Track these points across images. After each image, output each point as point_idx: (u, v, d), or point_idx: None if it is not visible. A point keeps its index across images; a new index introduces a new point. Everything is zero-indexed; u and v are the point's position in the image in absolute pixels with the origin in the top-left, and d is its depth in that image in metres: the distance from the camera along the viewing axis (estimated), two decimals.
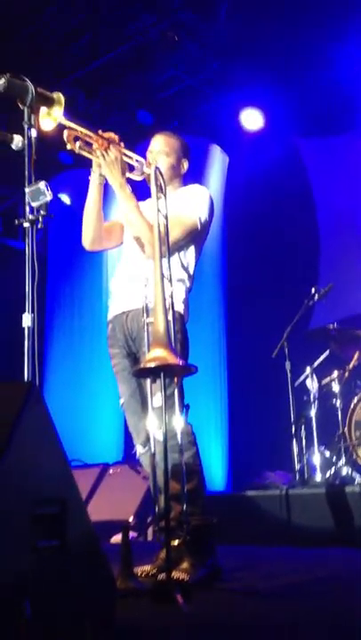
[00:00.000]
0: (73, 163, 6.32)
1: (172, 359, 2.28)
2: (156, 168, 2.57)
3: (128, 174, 2.84)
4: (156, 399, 2.45)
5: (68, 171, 6.52)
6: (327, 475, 4.70)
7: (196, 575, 2.47)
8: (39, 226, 2.25)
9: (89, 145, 2.81)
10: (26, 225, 2.25)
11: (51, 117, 2.55)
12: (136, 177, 2.86)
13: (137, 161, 2.86)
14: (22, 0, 5.44)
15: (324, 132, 6.59)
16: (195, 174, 3.19)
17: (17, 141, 2.31)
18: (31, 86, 2.29)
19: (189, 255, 2.94)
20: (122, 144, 2.84)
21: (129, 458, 5.09)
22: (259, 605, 2.28)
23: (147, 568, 2.62)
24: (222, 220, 6.73)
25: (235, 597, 2.42)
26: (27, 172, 2.24)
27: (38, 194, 2.21)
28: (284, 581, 2.73)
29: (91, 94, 6.46)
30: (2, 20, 5.46)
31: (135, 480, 4.80)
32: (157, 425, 2.43)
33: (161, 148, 3.01)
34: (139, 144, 5.49)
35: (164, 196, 2.54)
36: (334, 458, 4.80)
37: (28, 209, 2.26)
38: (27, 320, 2.17)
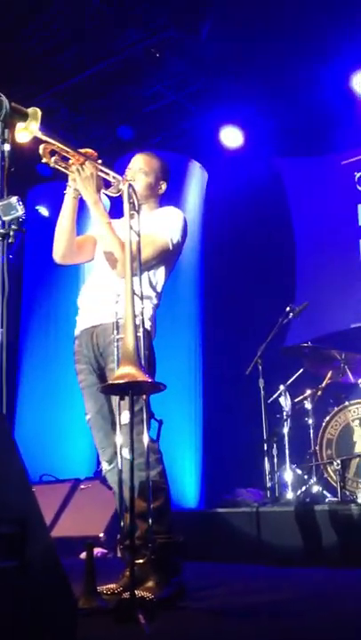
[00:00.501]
0: (52, 175, 6.32)
1: (141, 376, 2.28)
2: (130, 185, 2.58)
3: (104, 190, 2.85)
4: (124, 416, 2.44)
5: (47, 183, 6.52)
6: (298, 493, 4.71)
7: (161, 594, 2.46)
8: (10, 240, 2.24)
9: (66, 159, 2.82)
10: None
11: (27, 130, 2.56)
12: (112, 193, 2.87)
13: (113, 177, 2.87)
14: (8, 12, 5.45)
15: (303, 152, 6.66)
16: (173, 190, 3.22)
17: None
18: (6, 101, 2.29)
19: (159, 274, 2.95)
20: (99, 160, 2.85)
21: (100, 474, 5.06)
22: (222, 625, 2.27)
23: (112, 586, 2.61)
24: (200, 236, 6.77)
25: (198, 616, 2.41)
26: None
27: (10, 208, 2.20)
28: (251, 600, 2.73)
29: (73, 107, 6.48)
30: None
31: (106, 496, 4.76)
32: (125, 442, 2.42)
33: (140, 167, 3.03)
34: (119, 158, 5.54)
35: (138, 213, 2.55)
36: (306, 476, 4.82)
37: None
38: None
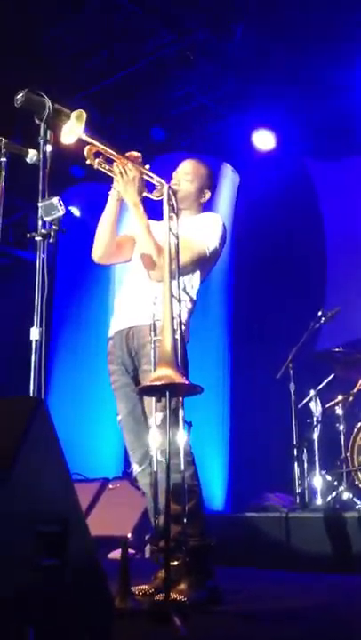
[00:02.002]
0: (84, 176, 6.36)
1: (179, 378, 2.28)
2: (170, 188, 2.59)
3: (147, 194, 2.86)
4: (158, 418, 2.44)
5: (79, 184, 6.56)
6: (328, 499, 4.66)
7: (194, 596, 2.45)
8: (51, 240, 2.26)
9: (110, 162, 2.83)
10: (38, 238, 2.26)
11: (72, 133, 2.58)
12: (155, 197, 2.88)
13: (157, 181, 2.88)
14: (39, 14, 5.49)
15: (334, 153, 6.62)
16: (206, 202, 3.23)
17: (32, 155, 2.33)
18: (48, 102, 2.31)
19: (194, 279, 2.95)
20: (147, 167, 2.86)
21: (129, 473, 5.06)
22: (255, 629, 2.26)
23: (145, 587, 2.60)
24: (231, 239, 6.74)
25: (232, 620, 2.39)
26: (40, 187, 2.25)
27: (51, 208, 2.22)
28: (281, 605, 2.71)
29: (104, 110, 6.51)
30: (17, 34, 5.52)
31: (134, 496, 4.76)
32: (159, 444, 2.42)
33: (186, 173, 3.05)
34: (150, 161, 5.55)
35: (177, 216, 2.55)
36: (336, 482, 4.77)
37: (40, 223, 2.27)
38: (35, 334, 2.17)
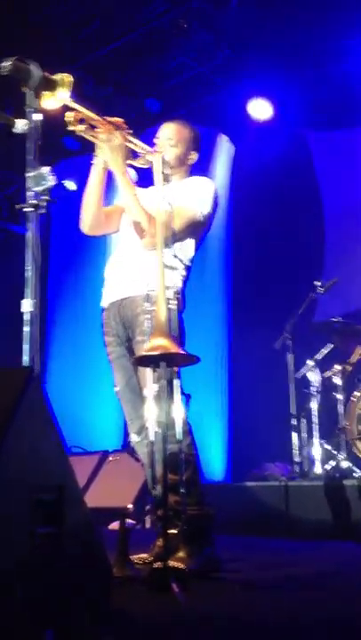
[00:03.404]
0: (79, 149, 6.29)
1: (174, 348, 2.27)
2: (162, 156, 2.55)
3: (132, 161, 2.81)
4: (154, 388, 2.43)
5: (74, 157, 6.49)
6: (327, 468, 4.69)
7: (193, 564, 2.47)
8: (41, 211, 2.22)
9: (94, 128, 2.78)
10: (27, 210, 2.23)
11: (55, 98, 2.52)
12: (140, 164, 2.83)
13: (142, 148, 2.83)
14: None
15: (332, 124, 6.54)
16: (201, 163, 3.16)
17: (20, 125, 2.28)
18: (37, 70, 2.26)
19: (187, 246, 2.90)
20: (129, 130, 2.80)
21: (128, 445, 5.09)
22: (254, 597, 2.28)
23: (144, 556, 2.63)
24: (228, 210, 6.70)
25: (231, 587, 2.42)
26: (29, 157, 2.22)
27: (41, 179, 2.19)
28: (280, 573, 2.74)
29: (100, 80, 6.42)
30: (12, 3, 5.42)
31: (134, 468, 4.80)
32: (155, 414, 2.42)
33: (168, 137, 2.97)
34: (146, 131, 5.49)
35: (168, 184, 2.51)
36: (334, 451, 4.79)
37: (30, 194, 2.23)
38: (27, 305, 2.15)
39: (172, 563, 2.33)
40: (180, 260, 2.87)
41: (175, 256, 2.83)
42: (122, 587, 2.21)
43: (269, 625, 1.84)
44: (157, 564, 2.29)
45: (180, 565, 2.41)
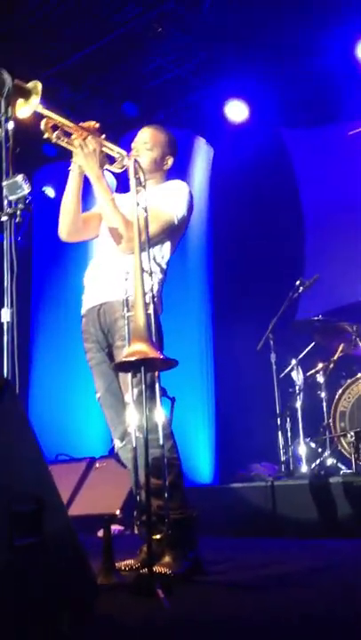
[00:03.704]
0: (57, 155, 6.27)
1: (153, 353, 2.27)
2: (136, 161, 2.55)
3: (108, 166, 2.82)
4: (135, 393, 2.43)
5: (53, 163, 6.48)
6: (313, 466, 4.71)
7: (178, 569, 2.47)
8: (17, 220, 2.22)
9: (68, 135, 2.77)
10: (4, 218, 2.23)
11: (28, 105, 2.52)
12: (116, 169, 2.83)
13: (118, 153, 2.83)
14: None
15: (309, 122, 6.57)
16: (180, 167, 3.17)
17: None
18: (9, 78, 2.26)
19: (164, 249, 2.92)
20: (103, 135, 2.81)
21: (115, 451, 5.08)
22: (240, 598, 2.28)
23: (130, 562, 2.63)
24: (207, 212, 6.72)
25: (216, 591, 2.42)
26: (4, 165, 2.21)
27: (15, 187, 2.19)
28: (266, 572, 2.74)
29: (76, 85, 6.41)
30: None
31: (122, 474, 4.75)
32: (136, 419, 2.42)
33: (145, 142, 2.97)
34: (124, 135, 5.49)
35: (144, 188, 2.52)
36: (320, 449, 4.82)
37: (6, 203, 2.23)
38: (5, 315, 2.15)
39: (157, 568, 2.33)
40: (158, 264, 2.87)
41: (154, 259, 2.83)
42: (107, 594, 2.20)
43: (256, 626, 1.84)
44: (143, 570, 2.30)
45: (166, 570, 2.41)
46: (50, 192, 6.68)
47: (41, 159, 6.55)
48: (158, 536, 2.34)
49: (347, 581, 2.49)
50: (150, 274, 2.47)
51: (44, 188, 6.58)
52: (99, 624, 1.77)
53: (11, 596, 1.36)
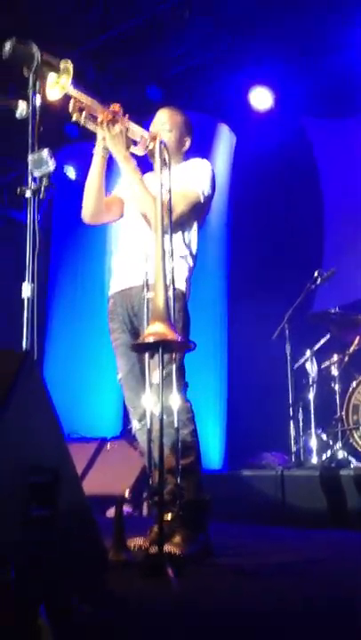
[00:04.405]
0: (79, 136, 6.26)
1: (171, 334, 2.27)
2: (161, 142, 2.54)
3: (131, 149, 2.81)
4: (155, 375, 2.44)
5: (75, 144, 6.46)
6: (323, 458, 4.71)
7: (188, 550, 2.48)
8: (41, 196, 2.22)
9: (94, 117, 2.77)
10: (28, 195, 2.22)
11: (58, 86, 2.51)
12: (139, 151, 2.82)
13: (141, 136, 2.83)
14: None
15: (333, 113, 6.52)
16: (201, 153, 3.17)
17: (21, 109, 2.28)
18: (37, 52, 2.25)
19: (193, 234, 2.92)
20: (126, 116, 2.80)
21: (127, 433, 5.11)
22: (248, 582, 2.29)
23: (140, 541, 2.64)
24: (227, 200, 6.69)
25: (225, 574, 2.43)
26: (30, 140, 2.21)
27: (41, 162, 2.18)
28: (274, 560, 2.75)
29: (101, 67, 6.38)
30: None
31: (132, 456, 4.82)
32: (155, 401, 2.42)
33: (163, 123, 2.98)
34: (147, 119, 5.47)
35: (168, 169, 2.51)
36: (331, 441, 4.81)
37: (30, 178, 2.23)
38: (26, 290, 2.16)
39: (167, 548, 2.34)
40: (188, 247, 2.88)
41: (183, 242, 2.84)
42: (117, 571, 2.22)
43: (260, 611, 1.85)
44: (153, 549, 2.31)
45: (176, 550, 2.42)
46: (71, 173, 6.69)
47: (63, 139, 6.53)
48: (170, 516, 2.34)
49: (353, 573, 2.49)
50: (172, 255, 2.46)
51: (65, 169, 6.60)
52: (108, 599, 1.78)
53: (25, 565, 1.37)
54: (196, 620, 1.74)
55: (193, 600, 1.98)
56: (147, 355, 2.48)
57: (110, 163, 2.89)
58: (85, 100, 2.70)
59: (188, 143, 3.03)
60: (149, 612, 1.81)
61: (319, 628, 1.68)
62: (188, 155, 3.06)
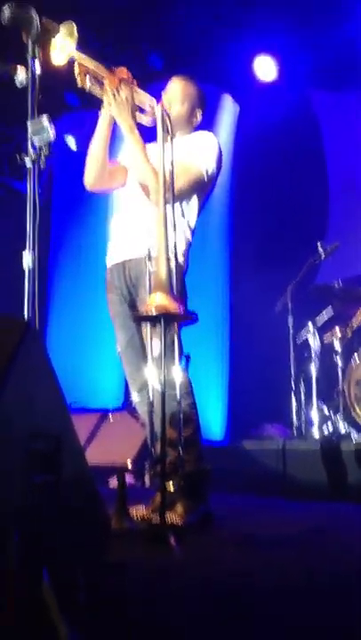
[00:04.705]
0: (79, 104, 6.17)
1: (173, 306, 2.27)
2: (164, 111, 2.50)
3: (138, 117, 2.76)
4: (155, 347, 2.44)
5: (74, 112, 6.37)
6: (324, 430, 4.72)
7: (189, 519, 2.51)
8: (41, 165, 2.19)
9: (100, 83, 2.72)
10: (28, 163, 2.19)
11: (63, 50, 2.46)
12: (146, 120, 2.78)
13: (149, 104, 2.78)
14: None
15: (339, 85, 6.42)
16: (204, 123, 3.12)
17: (21, 76, 2.24)
18: (36, 16, 2.20)
19: (192, 207, 2.88)
20: (135, 82, 2.75)
21: (129, 404, 5.13)
22: (248, 551, 2.31)
23: (142, 510, 2.66)
24: (230, 171, 6.61)
25: (225, 542, 2.46)
26: (30, 107, 2.18)
27: (41, 130, 2.15)
28: (274, 530, 2.77)
29: (102, 33, 6.27)
30: None
31: (134, 427, 4.84)
32: (156, 373, 2.43)
33: (176, 94, 2.93)
34: (149, 88, 5.39)
35: (171, 140, 2.47)
36: (332, 414, 4.82)
37: (30, 147, 2.20)
38: (27, 260, 2.14)
39: (169, 517, 2.36)
40: (187, 221, 2.84)
41: (181, 214, 2.80)
42: (120, 539, 2.24)
43: (259, 581, 1.87)
44: (155, 519, 2.33)
45: (177, 520, 2.45)
46: (71, 143, 6.61)
47: (62, 108, 6.43)
48: (172, 486, 2.36)
49: (353, 544, 2.51)
50: (174, 227, 2.44)
51: (65, 138, 6.51)
52: (109, 567, 1.80)
53: (28, 527, 1.38)
54: (198, 588, 1.76)
55: (195, 568, 2.00)
56: (148, 326, 2.47)
57: (115, 128, 2.85)
58: (91, 64, 2.65)
59: (199, 116, 2.98)
60: (151, 579, 1.83)
61: (319, 595, 1.69)
62: (201, 127, 3.02)
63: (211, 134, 2.97)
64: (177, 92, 2.93)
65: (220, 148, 2.91)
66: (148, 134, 2.77)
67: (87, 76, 2.67)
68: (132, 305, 2.84)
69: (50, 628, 1.05)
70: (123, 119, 2.70)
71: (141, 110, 2.77)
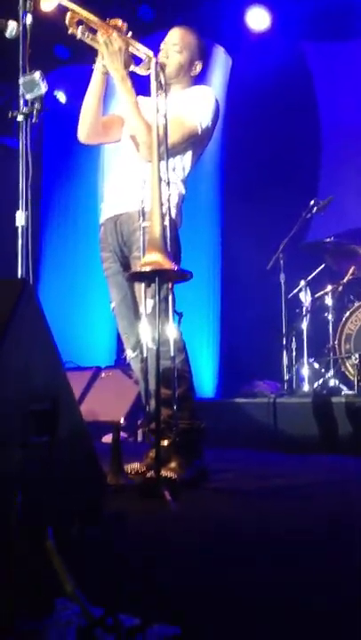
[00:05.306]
0: (70, 57, 6.03)
1: (168, 264, 2.27)
2: (158, 63, 2.45)
3: (133, 68, 2.70)
4: (149, 305, 2.44)
5: (65, 67, 6.24)
6: (315, 386, 4.78)
7: (184, 474, 2.55)
8: (34, 120, 2.16)
9: (93, 32, 2.65)
10: (19, 119, 2.16)
11: None
12: (141, 71, 2.72)
13: (144, 54, 2.71)
14: None
15: (333, 36, 6.28)
16: (197, 76, 3.06)
17: (11, 28, 2.18)
18: None
19: (185, 160, 2.84)
20: (129, 33, 2.68)
21: (121, 362, 5.16)
22: (242, 504, 2.37)
23: (136, 466, 2.70)
24: (222, 125, 6.50)
25: (219, 496, 2.51)
26: (21, 62, 2.13)
27: (33, 85, 2.11)
28: (267, 483, 2.84)
29: None
30: None
31: (126, 384, 4.89)
32: (149, 331, 2.44)
33: (174, 43, 2.86)
34: (140, 41, 5.26)
35: (165, 93, 2.43)
36: (323, 370, 4.87)
37: (22, 101, 2.16)
38: (20, 218, 2.13)
39: (163, 472, 2.41)
40: (178, 175, 2.81)
41: (173, 169, 2.77)
42: (115, 494, 2.28)
43: (252, 532, 1.92)
44: (150, 474, 2.37)
45: (172, 475, 2.49)
46: (61, 97, 6.48)
47: (52, 62, 6.29)
48: (166, 442, 2.39)
49: (346, 494, 2.57)
50: (168, 183, 2.42)
51: (55, 93, 6.39)
52: (106, 522, 1.84)
53: (29, 486, 1.40)
54: (192, 537, 1.81)
55: (191, 520, 2.05)
56: (143, 284, 2.47)
57: (111, 80, 2.79)
58: (83, 12, 2.58)
59: (198, 67, 2.92)
60: (148, 532, 1.88)
61: (312, 544, 1.74)
62: (196, 80, 2.96)
63: (209, 88, 2.93)
64: (176, 40, 2.86)
65: (217, 103, 2.87)
66: (143, 87, 2.72)
67: (80, 24, 2.61)
68: (126, 263, 2.83)
69: (56, 585, 1.08)
70: (115, 69, 2.64)
71: (138, 61, 2.71)
